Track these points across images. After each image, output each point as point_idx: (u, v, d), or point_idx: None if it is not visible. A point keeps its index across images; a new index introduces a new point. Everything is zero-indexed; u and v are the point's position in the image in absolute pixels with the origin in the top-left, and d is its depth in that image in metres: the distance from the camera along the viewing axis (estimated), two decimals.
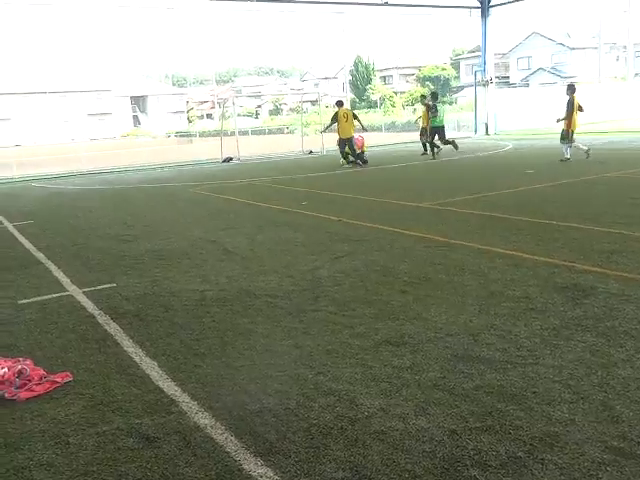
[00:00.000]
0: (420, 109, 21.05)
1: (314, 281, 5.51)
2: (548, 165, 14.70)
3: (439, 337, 3.99)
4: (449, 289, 5.03)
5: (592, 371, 3.36)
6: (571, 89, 14.91)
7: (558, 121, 15.04)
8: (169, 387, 3.50)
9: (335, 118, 17.23)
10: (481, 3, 26.60)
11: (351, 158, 17.11)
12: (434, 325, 4.21)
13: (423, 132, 19.46)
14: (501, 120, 28.56)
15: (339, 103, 17.71)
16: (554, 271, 5.34)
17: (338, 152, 17.80)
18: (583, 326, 4.02)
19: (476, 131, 28.51)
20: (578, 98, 14.72)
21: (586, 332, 3.92)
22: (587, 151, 14.70)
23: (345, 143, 17.06)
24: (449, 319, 4.31)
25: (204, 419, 3.10)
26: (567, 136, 14.77)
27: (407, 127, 32.96)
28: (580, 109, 14.74)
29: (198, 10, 21.65)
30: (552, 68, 56.28)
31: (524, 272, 5.37)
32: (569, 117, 14.67)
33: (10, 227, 9.72)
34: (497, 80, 31.64)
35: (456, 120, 33.89)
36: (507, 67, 61.79)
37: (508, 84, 54.15)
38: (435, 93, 20.71)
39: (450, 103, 55.56)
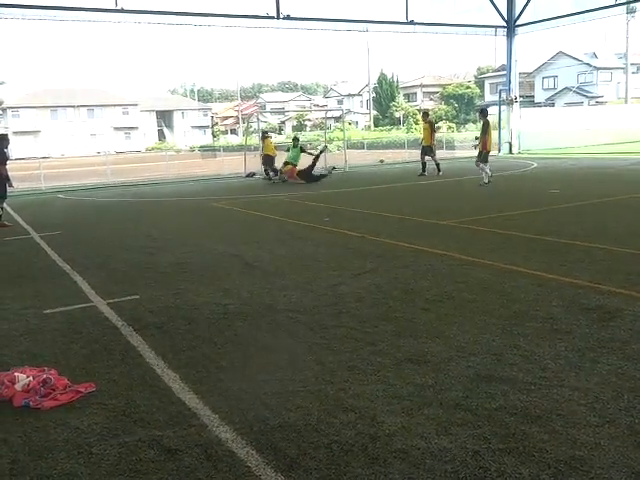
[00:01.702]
0: (422, 126, 20.06)
1: (336, 297, 5.51)
2: (573, 185, 14.57)
3: (462, 356, 3.95)
4: (472, 308, 4.99)
5: (618, 394, 3.30)
6: (483, 113, 15.76)
7: (475, 147, 15.83)
8: (191, 400, 3.51)
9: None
10: (507, 22, 26.59)
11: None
12: (457, 344, 4.18)
13: (427, 151, 18.93)
14: (525, 139, 28.42)
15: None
16: (579, 292, 5.28)
17: (361, 169, 18.06)
18: (609, 348, 3.96)
19: (500, 150, 28.38)
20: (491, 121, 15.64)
21: (612, 355, 3.86)
22: (490, 177, 14.95)
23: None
24: (472, 338, 4.27)
25: (225, 433, 3.11)
26: (484, 156, 15.04)
27: None
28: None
29: (225, 26, 21.85)
30: (578, 88, 55.90)
31: (548, 292, 5.31)
32: (484, 139, 15.10)
33: (37, 238, 9.87)
34: (522, 99, 31.49)
35: None
36: (532, 86, 61.52)
37: (533, 103, 53.91)
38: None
39: (474, 122, 55.46)
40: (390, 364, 3.88)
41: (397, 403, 3.34)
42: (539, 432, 2.95)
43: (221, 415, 3.30)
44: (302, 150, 20.14)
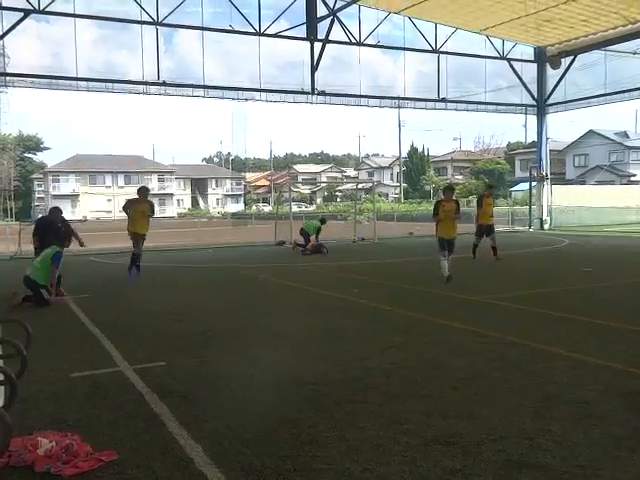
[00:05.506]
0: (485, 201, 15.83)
1: (363, 371, 5.42)
2: (606, 263, 14.36)
3: (492, 439, 3.82)
4: (503, 388, 4.86)
5: None
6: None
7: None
8: (212, 473, 3.43)
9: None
10: (537, 102, 27.04)
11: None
12: (487, 426, 4.05)
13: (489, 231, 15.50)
14: (557, 215, 28.36)
15: None
16: (615, 376, 5.11)
17: (390, 241, 18.12)
18: None
19: (531, 225, 28.33)
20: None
21: None
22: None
23: None
24: (503, 420, 4.14)
25: None
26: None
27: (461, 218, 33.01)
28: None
29: (261, 101, 22.62)
30: (609, 166, 55.96)
31: (582, 375, 5.15)
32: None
33: (69, 301, 9.99)
34: (553, 176, 31.62)
35: (510, 214, 33.77)
36: (563, 163, 61.78)
37: (564, 180, 53.97)
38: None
39: (504, 197, 55.65)
40: (418, 444, 3.77)
41: None
42: None
43: None
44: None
